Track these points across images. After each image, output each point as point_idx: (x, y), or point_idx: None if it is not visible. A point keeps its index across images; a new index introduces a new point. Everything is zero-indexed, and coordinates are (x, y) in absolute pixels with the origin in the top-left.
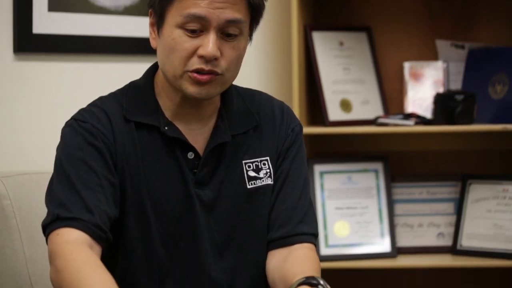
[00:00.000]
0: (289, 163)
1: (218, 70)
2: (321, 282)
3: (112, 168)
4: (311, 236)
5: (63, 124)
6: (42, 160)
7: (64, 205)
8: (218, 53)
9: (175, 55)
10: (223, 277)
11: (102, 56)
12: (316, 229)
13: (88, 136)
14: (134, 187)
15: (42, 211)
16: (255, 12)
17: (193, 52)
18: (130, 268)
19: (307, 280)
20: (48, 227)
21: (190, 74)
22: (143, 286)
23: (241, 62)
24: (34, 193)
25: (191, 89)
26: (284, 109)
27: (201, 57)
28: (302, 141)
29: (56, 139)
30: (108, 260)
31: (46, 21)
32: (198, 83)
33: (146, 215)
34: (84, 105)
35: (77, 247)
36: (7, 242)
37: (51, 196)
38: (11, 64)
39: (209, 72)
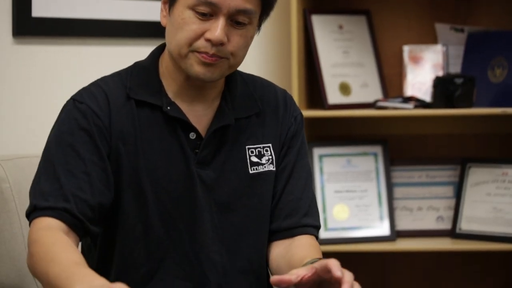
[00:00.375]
0: (295, 155)
1: (223, 55)
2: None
3: (103, 152)
4: (315, 229)
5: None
6: (42, 144)
7: (43, 194)
8: (225, 39)
9: (182, 35)
10: (221, 258)
11: (102, 40)
12: (319, 222)
13: (81, 119)
14: (132, 167)
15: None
16: (266, 4)
17: (201, 35)
18: (128, 247)
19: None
20: (29, 217)
21: (197, 54)
22: (141, 265)
23: (247, 50)
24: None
25: (196, 68)
26: (286, 97)
27: (208, 40)
28: (304, 132)
29: None
30: (107, 239)
31: (46, 4)
32: (204, 63)
33: (145, 194)
34: None
35: (48, 232)
36: (6, 225)
37: (34, 184)
38: (10, 47)
39: (213, 56)
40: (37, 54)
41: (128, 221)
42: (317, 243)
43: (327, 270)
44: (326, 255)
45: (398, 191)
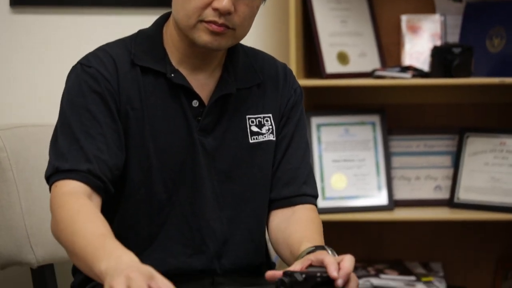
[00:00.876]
0: (294, 125)
1: (230, 25)
2: (329, 251)
3: (115, 114)
4: (314, 198)
5: (60, 77)
6: (39, 113)
7: (64, 155)
8: (232, 8)
9: (191, 5)
10: (221, 226)
11: (100, 9)
12: (317, 191)
13: (92, 82)
14: (138, 131)
15: (39, 164)
16: None
17: (208, 4)
18: (130, 210)
19: (317, 249)
20: (50, 179)
21: (206, 24)
22: (142, 229)
23: (253, 20)
24: (31, 146)
25: (204, 37)
26: (286, 71)
27: (216, 9)
28: (303, 106)
29: (53, 92)
30: (109, 202)
31: None
32: (212, 32)
33: (149, 158)
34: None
35: (73, 197)
36: (4, 194)
37: (53, 145)
38: (8, 17)
39: (222, 25)
40: (35, 24)
41: (131, 185)
42: (316, 215)
43: (323, 265)
44: (324, 224)
45: (396, 161)
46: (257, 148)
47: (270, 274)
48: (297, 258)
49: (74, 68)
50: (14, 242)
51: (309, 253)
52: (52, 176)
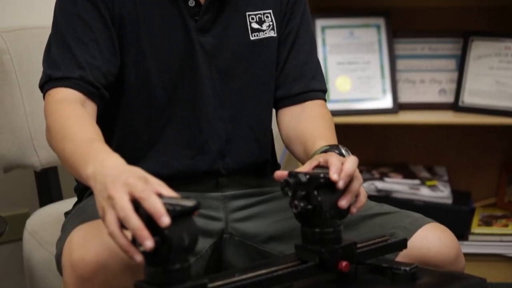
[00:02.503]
0: (298, 21)
1: None
2: (343, 151)
3: (108, 20)
4: (323, 93)
5: None
6: (43, 15)
7: (56, 63)
8: None
9: None
10: (223, 125)
11: None
12: (325, 86)
13: None
14: (134, 35)
15: (42, 66)
16: None
17: None
18: (130, 115)
19: (331, 149)
20: (43, 88)
21: None
22: (142, 133)
23: None
24: (35, 48)
25: None
26: None
27: None
28: (306, 1)
29: None
30: (109, 109)
31: None
32: None
33: (146, 62)
34: None
35: (64, 104)
36: (7, 97)
37: (46, 54)
38: None
39: None
40: None
41: (130, 90)
42: (327, 110)
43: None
44: None
45: (400, 64)
46: (258, 45)
47: (278, 174)
48: (310, 156)
49: None
50: (18, 145)
51: (322, 152)
52: (46, 84)
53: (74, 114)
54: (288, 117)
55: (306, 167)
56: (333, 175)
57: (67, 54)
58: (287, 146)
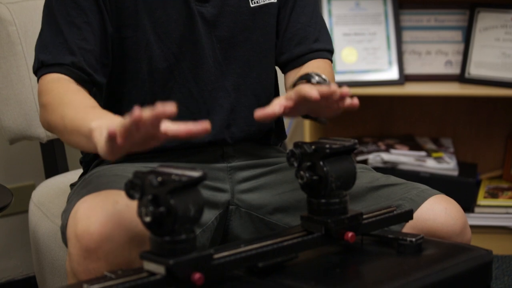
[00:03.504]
0: None
1: None
2: (316, 77)
3: (100, 1)
4: (328, 52)
5: None
6: None
7: (47, 48)
8: None
9: None
10: (227, 95)
11: None
12: (331, 46)
13: None
14: (132, 10)
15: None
16: None
17: None
18: (134, 91)
19: (306, 76)
20: (37, 73)
21: None
22: (148, 105)
23: None
24: (40, 19)
25: None
26: None
27: None
28: None
29: None
30: (112, 86)
31: None
32: None
33: (146, 35)
34: None
35: (59, 83)
36: (13, 68)
37: (39, 37)
38: None
39: None
40: None
41: (132, 65)
42: (329, 66)
43: (305, 99)
44: None
45: (406, 35)
46: (258, 11)
47: (258, 113)
48: (288, 87)
49: None
50: (23, 116)
51: (299, 81)
52: (38, 70)
53: (71, 90)
54: (292, 77)
55: (283, 101)
56: (311, 94)
57: (58, 38)
58: None
